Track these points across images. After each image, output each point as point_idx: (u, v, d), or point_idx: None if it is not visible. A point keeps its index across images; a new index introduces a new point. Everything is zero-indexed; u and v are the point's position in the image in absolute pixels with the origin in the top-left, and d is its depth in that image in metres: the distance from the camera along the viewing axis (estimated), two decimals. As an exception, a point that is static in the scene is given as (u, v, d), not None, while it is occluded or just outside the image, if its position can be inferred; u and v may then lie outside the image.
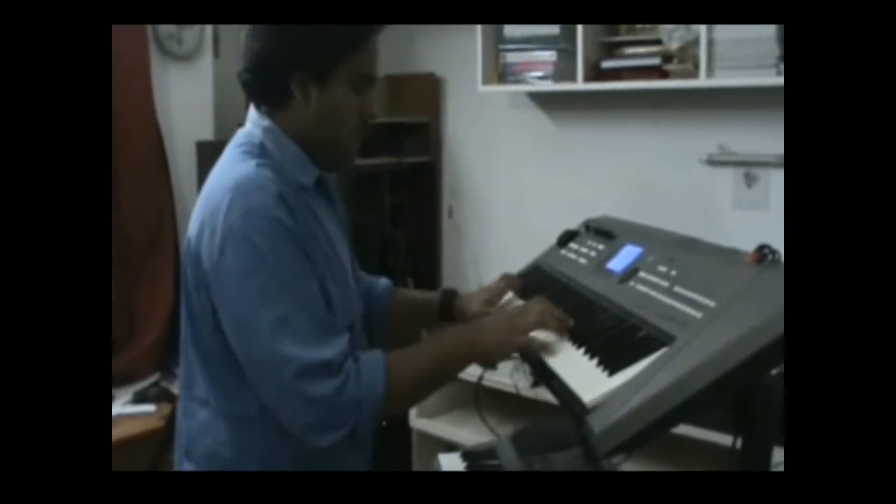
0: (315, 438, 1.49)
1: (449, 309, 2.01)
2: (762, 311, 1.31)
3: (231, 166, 1.60)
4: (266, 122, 1.64)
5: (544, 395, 1.65)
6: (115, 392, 3.26)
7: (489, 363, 1.70)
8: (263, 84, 1.63)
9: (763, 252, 1.49)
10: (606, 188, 3.39)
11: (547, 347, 1.61)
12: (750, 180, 2.94)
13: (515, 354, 1.70)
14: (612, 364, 1.45)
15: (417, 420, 3.46)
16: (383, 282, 2.02)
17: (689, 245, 1.79)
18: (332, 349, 1.48)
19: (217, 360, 1.58)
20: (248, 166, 1.56)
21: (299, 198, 1.59)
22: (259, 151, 1.60)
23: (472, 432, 3.20)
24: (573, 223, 2.38)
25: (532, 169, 3.72)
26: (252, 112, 1.69)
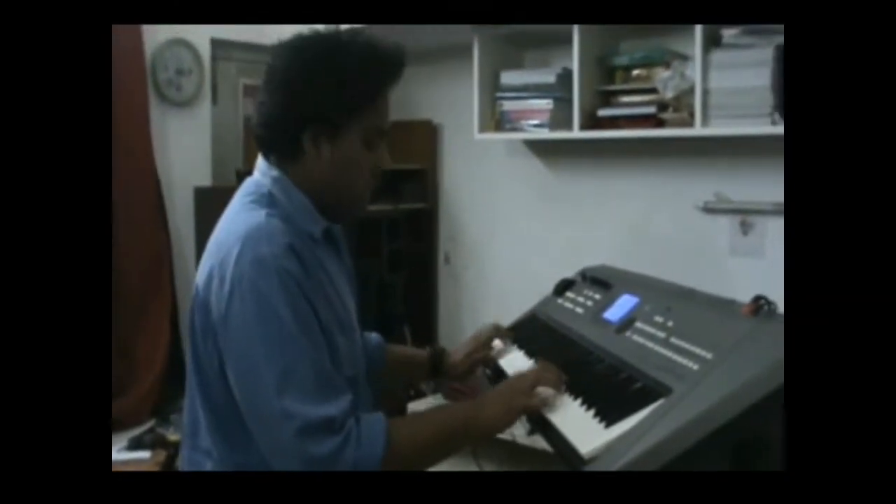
0: None
1: (438, 366, 2.03)
2: (759, 364, 1.32)
3: (241, 215, 1.59)
4: (275, 173, 1.63)
5: (540, 442, 1.64)
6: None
7: (494, 433, 1.63)
8: (276, 139, 1.62)
9: (759, 303, 1.50)
10: (603, 235, 3.40)
11: (546, 404, 1.60)
12: (746, 227, 2.95)
13: None
14: (609, 415, 1.45)
15: (414, 466, 3.43)
16: (375, 337, 2.02)
17: (686, 295, 1.80)
18: (334, 407, 1.45)
19: (223, 409, 1.56)
20: (259, 216, 1.54)
21: (307, 248, 1.57)
22: (268, 201, 1.59)
23: (468, 480, 3.18)
24: (569, 270, 2.39)
25: (529, 216, 3.74)
26: (261, 161, 1.68)
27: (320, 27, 1.66)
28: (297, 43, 1.60)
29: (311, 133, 1.58)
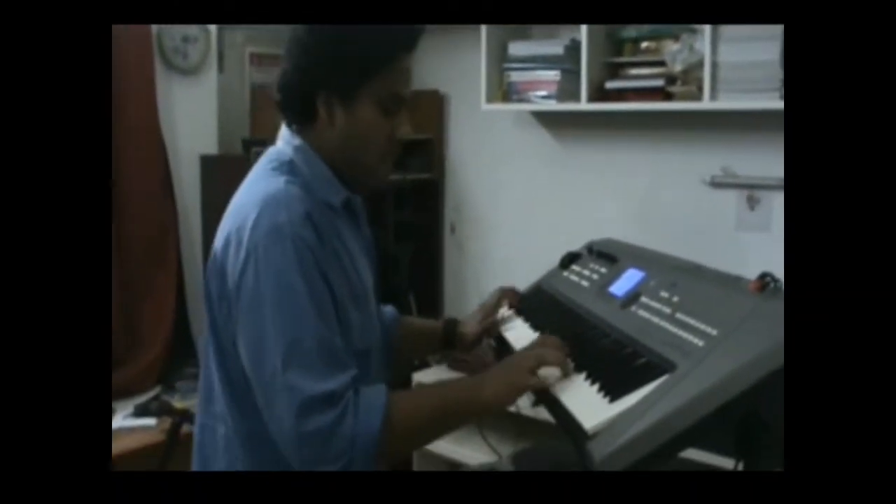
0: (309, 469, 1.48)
1: (451, 337, 2.04)
2: (764, 341, 1.31)
3: (260, 181, 1.61)
4: (297, 141, 1.66)
5: (544, 414, 1.65)
6: (115, 405, 3.26)
7: (493, 410, 1.63)
8: (291, 103, 1.66)
9: (765, 280, 1.50)
10: (609, 208, 3.39)
11: (549, 383, 1.59)
12: (753, 202, 2.94)
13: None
14: (613, 391, 1.45)
15: (418, 437, 3.44)
16: (390, 310, 2.03)
17: (692, 271, 1.80)
18: (336, 381, 1.46)
19: (237, 375, 1.58)
20: (278, 182, 1.57)
21: (326, 217, 1.59)
22: (289, 169, 1.62)
23: (472, 450, 3.20)
24: (575, 242, 2.38)
25: (535, 187, 3.73)
26: (283, 130, 1.71)
27: None
28: None
29: (323, 97, 1.61)
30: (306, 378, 1.45)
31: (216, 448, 1.65)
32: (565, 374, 1.58)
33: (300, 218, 1.50)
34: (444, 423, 1.62)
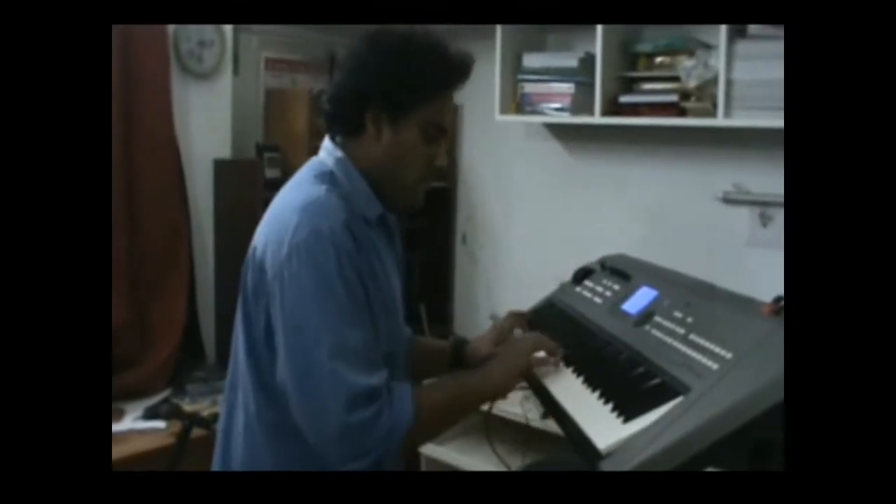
0: (341, 463, 1.53)
1: (459, 356, 2.06)
2: (778, 366, 1.32)
3: (301, 188, 1.68)
4: (339, 154, 1.73)
5: (553, 426, 1.67)
6: (126, 407, 3.27)
7: (502, 394, 1.80)
8: (341, 114, 1.73)
9: (780, 304, 1.50)
10: (622, 221, 3.40)
11: (542, 364, 1.81)
12: (765, 219, 2.95)
13: (524, 385, 1.84)
14: (627, 411, 1.46)
15: (427, 447, 3.47)
16: (405, 330, 2.04)
17: (705, 291, 1.81)
18: (377, 377, 1.54)
19: (266, 366, 1.63)
20: (319, 190, 1.64)
21: (361, 229, 1.66)
22: (329, 179, 1.69)
23: (481, 461, 3.21)
24: (586, 254, 2.39)
25: (547, 199, 3.74)
26: (326, 142, 1.78)
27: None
28: (377, 30, 1.72)
29: (373, 112, 1.68)
30: (352, 372, 1.52)
31: (238, 434, 1.72)
32: (556, 359, 1.83)
33: (340, 225, 1.57)
34: (462, 409, 1.75)
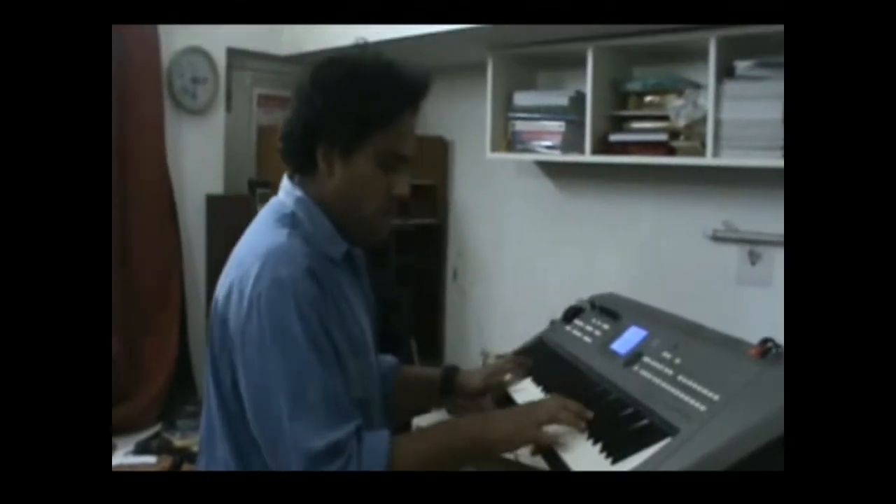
0: None
1: (450, 384, 2.03)
2: (765, 409, 1.34)
3: (263, 233, 1.63)
4: (298, 193, 1.67)
5: (542, 464, 1.66)
6: (116, 442, 3.27)
7: (495, 455, 1.67)
8: (292, 153, 1.67)
9: (767, 346, 1.52)
10: (611, 258, 3.41)
11: (559, 443, 1.60)
12: (754, 257, 2.97)
13: None
14: (615, 452, 1.47)
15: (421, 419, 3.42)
16: (389, 359, 2.03)
17: (694, 331, 1.82)
18: (341, 431, 1.48)
19: (238, 421, 1.59)
20: (280, 235, 1.58)
21: (326, 270, 1.60)
22: (291, 221, 1.63)
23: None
24: (576, 291, 2.41)
25: (537, 236, 3.76)
26: (285, 181, 1.72)
27: (349, 50, 1.69)
28: (322, 62, 1.65)
29: (323, 149, 1.62)
30: (311, 430, 1.46)
31: None
32: (578, 432, 1.60)
33: (302, 272, 1.52)
34: (448, 463, 1.62)
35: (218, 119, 3.92)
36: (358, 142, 1.61)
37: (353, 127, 1.61)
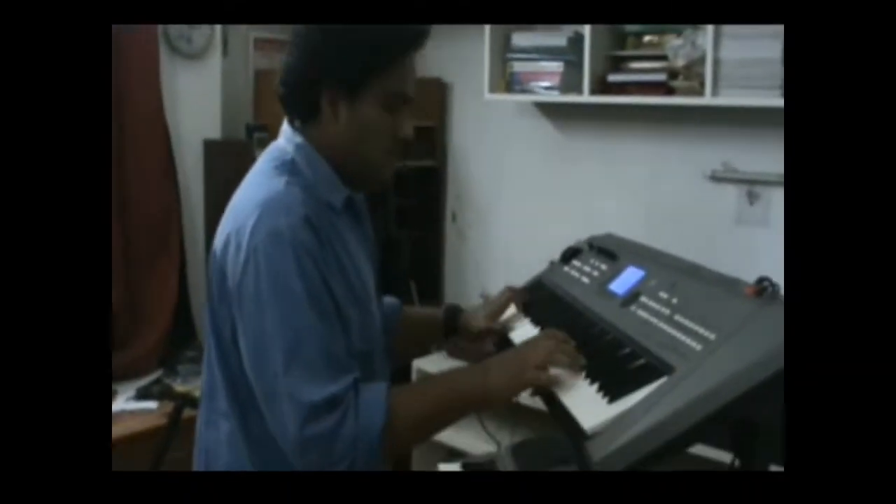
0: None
1: (452, 325, 2.03)
2: (760, 347, 1.34)
3: (261, 182, 1.60)
4: (298, 139, 1.64)
5: (542, 403, 1.67)
6: (117, 388, 3.29)
7: (499, 402, 1.63)
8: (295, 98, 1.64)
9: (763, 285, 1.52)
10: (610, 199, 3.42)
11: (557, 383, 1.58)
12: (752, 197, 2.97)
13: None
14: (612, 391, 1.47)
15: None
16: (391, 300, 2.02)
17: (691, 271, 1.82)
18: (337, 385, 1.47)
19: (238, 373, 1.58)
20: (278, 184, 1.56)
21: (326, 218, 1.58)
22: (290, 169, 1.60)
23: (470, 437, 3.23)
24: (575, 231, 2.40)
25: (536, 177, 3.75)
26: (285, 127, 1.69)
27: None
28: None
29: (328, 93, 1.59)
30: (308, 383, 1.45)
31: (220, 443, 1.65)
32: (575, 375, 1.58)
33: (300, 221, 1.50)
34: (447, 415, 1.60)
35: (214, 64, 3.89)
36: (364, 83, 1.58)
37: (360, 67, 1.57)
